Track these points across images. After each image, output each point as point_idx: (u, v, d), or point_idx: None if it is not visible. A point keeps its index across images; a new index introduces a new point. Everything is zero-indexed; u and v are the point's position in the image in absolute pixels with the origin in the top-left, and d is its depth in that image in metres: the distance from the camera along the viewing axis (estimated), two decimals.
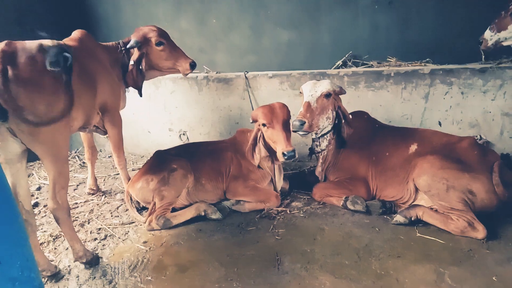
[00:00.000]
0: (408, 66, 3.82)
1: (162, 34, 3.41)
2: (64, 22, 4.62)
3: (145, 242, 2.93)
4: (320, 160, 3.30)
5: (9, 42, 2.25)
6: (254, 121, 3.12)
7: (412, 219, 2.79)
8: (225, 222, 3.12)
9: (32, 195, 3.79)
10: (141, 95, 3.49)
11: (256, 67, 4.51)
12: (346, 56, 4.25)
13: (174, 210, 3.22)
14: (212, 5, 4.66)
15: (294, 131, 2.93)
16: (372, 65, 4.05)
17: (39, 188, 3.96)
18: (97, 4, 5.02)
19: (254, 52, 4.71)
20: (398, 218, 2.84)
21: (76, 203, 3.63)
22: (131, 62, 3.30)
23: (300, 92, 3.15)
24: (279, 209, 3.22)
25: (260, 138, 3.12)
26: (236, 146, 3.46)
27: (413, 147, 3.03)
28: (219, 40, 4.83)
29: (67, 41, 3.04)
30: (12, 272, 1.59)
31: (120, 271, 2.62)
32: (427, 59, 4.01)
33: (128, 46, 3.33)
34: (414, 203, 2.92)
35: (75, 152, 5.10)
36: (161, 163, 3.31)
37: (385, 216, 2.99)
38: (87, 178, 3.86)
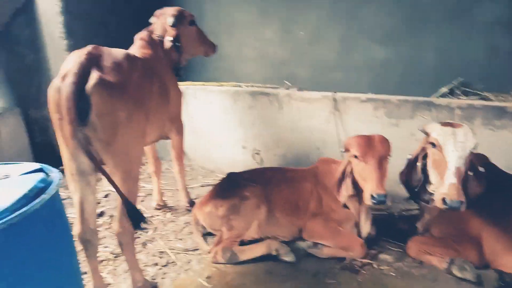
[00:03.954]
0: None
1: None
2: (146, 21, 4.51)
3: (208, 277, 2.62)
4: (426, 211, 2.74)
5: (96, 46, 2.15)
6: (346, 150, 2.69)
7: None
8: (298, 267, 2.71)
9: (98, 203, 3.68)
10: (181, 76, 3.27)
11: (342, 86, 4.05)
12: (455, 83, 3.62)
13: (242, 243, 2.89)
14: (299, 15, 4.30)
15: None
16: (487, 97, 3.39)
17: (106, 196, 3.85)
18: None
19: (341, 69, 4.26)
20: None
21: None
22: (169, 39, 3.05)
23: (433, 144, 2.41)
24: (364, 260, 2.72)
25: (350, 172, 2.68)
26: (317, 177, 3.03)
27: None
28: (303, 53, 4.45)
29: (139, 49, 2.87)
30: None
31: None
32: None
33: (171, 24, 3.06)
34: None
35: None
36: (233, 188, 3.00)
37: None
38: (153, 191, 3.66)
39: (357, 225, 2.90)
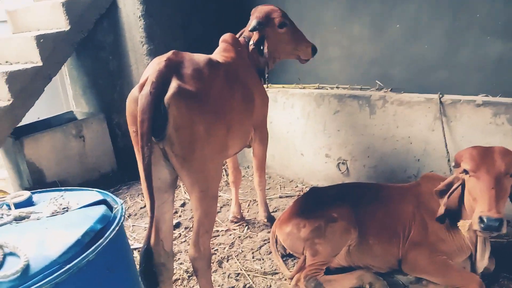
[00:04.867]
0: None
1: (285, 15, 2.94)
2: (226, 22, 4.30)
3: None
4: None
5: (176, 51, 1.96)
6: (456, 165, 2.20)
7: None
8: None
9: (176, 212, 3.56)
10: (265, 81, 3.04)
11: (447, 87, 3.44)
12: None
13: (328, 271, 2.52)
14: (396, 7, 3.75)
15: None
16: None
17: (183, 205, 3.72)
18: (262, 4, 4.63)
19: (445, 68, 3.62)
20: None
21: (217, 231, 3.24)
22: (251, 43, 2.81)
23: None
24: None
25: (458, 189, 2.19)
26: (420, 198, 2.54)
27: None
28: (397, 50, 3.89)
29: (221, 52, 2.64)
30: None
31: None
32: None
33: (250, 29, 2.81)
34: None
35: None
36: (317, 206, 2.64)
37: None
38: (231, 201, 3.44)
39: (471, 258, 2.38)
